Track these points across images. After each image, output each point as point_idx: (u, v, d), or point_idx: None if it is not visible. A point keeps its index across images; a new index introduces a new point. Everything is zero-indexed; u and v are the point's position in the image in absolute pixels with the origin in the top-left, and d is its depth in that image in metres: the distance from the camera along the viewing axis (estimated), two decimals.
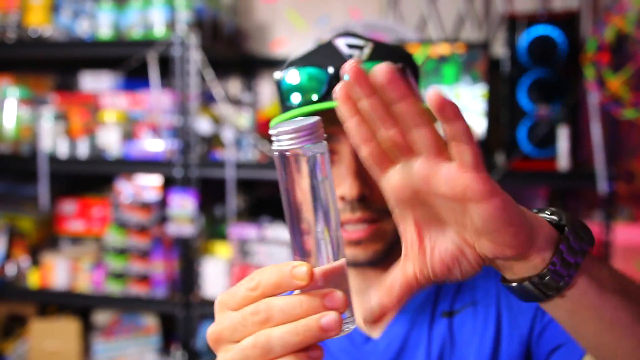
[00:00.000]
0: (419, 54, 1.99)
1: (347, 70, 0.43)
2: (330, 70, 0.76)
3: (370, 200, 0.77)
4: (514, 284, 0.48)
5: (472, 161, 0.43)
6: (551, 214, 0.50)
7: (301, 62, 0.79)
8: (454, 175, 0.43)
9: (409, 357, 0.81)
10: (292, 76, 0.78)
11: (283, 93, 0.79)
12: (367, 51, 0.77)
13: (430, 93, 0.41)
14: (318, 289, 0.44)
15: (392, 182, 0.47)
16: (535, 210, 0.50)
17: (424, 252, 0.49)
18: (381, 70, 0.42)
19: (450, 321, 0.82)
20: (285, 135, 0.42)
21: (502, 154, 1.94)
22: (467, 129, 0.43)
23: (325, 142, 0.44)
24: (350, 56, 0.76)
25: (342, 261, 0.46)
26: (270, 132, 0.44)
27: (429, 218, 0.48)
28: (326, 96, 0.76)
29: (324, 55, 0.78)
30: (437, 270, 0.48)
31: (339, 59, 0.76)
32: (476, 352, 0.80)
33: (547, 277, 0.46)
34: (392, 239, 0.80)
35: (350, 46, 0.78)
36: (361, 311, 0.85)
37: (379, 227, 0.78)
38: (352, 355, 0.84)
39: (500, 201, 0.44)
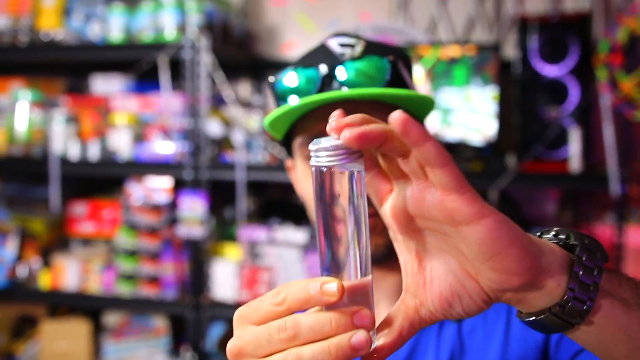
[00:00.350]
0: (429, 56, 1.98)
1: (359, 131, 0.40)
2: (323, 68, 0.76)
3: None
4: (533, 318, 0.44)
5: (451, 183, 0.40)
6: (556, 235, 0.47)
7: (295, 65, 0.79)
8: (440, 199, 0.41)
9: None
10: (288, 79, 0.78)
11: (279, 96, 0.79)
12: (358, 49, 0.77)
13: (393, 116, 0.39)
14: (345, 306, 0.43)
15: (389, 206, 0.45)
16: (537, 232, 0.47)
17: (425, 285, 0.46)
18: (397, 119, 0.39)
19: (459, 326, 0.81)
20: (324, 152, 0.42)
21: (513, 156, 1.93)
22: (438, 151, 0.39)
23: (362, 160, 0.43)
24: (342, 54, 0.76)
25: (368, 278, 0.44)
26: (310, 147, 0.43)
27: (430, 247, 0.45)
28: (321, 93, 0.75)
29: (317, 56, 0.78)
30: (437, 305, 0.45)
31: (332, 58, 0.76)
32: (486, 357, 0.79)
33: (569, 305, 0.43)
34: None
35: (342, 45, 0.78)
36: None
37: (379, 220, 0.77)
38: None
39: (492, 221, 0.40)
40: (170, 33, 2.02)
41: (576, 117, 1.83)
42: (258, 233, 2.00)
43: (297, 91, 0.76)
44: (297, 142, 0.79)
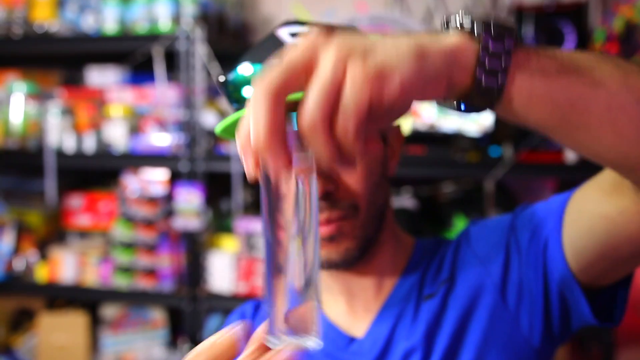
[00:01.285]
0: None
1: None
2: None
3: (336, 198, 0.75)
4: (457, 106, 0.48)
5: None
6: (458, 24, 0.47)
7: (245, 58, 0.76)
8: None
9: (396, 351, 0.80)
10: (242, 70, 0.74)
11: (231, 91, 0.75)
12: None
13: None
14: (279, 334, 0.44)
15: None
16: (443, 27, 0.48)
17: None
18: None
19: (433, 302, 0.81)
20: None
21: (509, 147, 1.93)
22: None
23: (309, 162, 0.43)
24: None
25: (309, 303, 0.45)
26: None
27: None
28: None
29: (267, 48, 0.75)
30: None
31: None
32: (453, 326, 0.79)
33: (478, 94, 0.45)
34: (364, 237, 0.78)
35: (293, 34, 0.75)
36: (340, 314, 0.85)
37: (347, 224, 0.76)
38: (335, 355, 0.83)
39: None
40: (165, 24, 2.01)
41: None
42: (254, 225, 2.00)
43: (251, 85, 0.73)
44: None
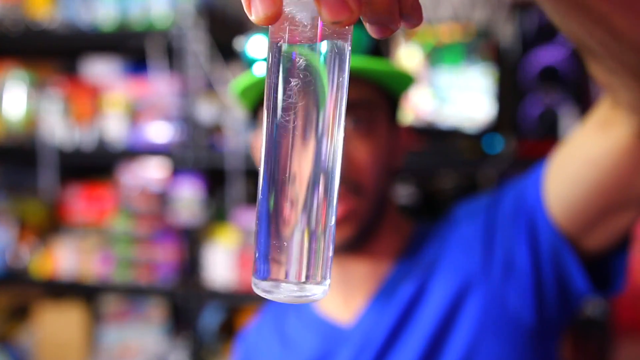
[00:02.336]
0: (424, 37, 1.96)
1: None
2: None
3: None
4: None
5: None
6: None
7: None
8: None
9: (387, 337, 0.80)
10: (254, 44, 0.75)
11: (250, 59, 0.76)
12: None
13: None
14: None
15: None
16: None
17: None
18: None
19: (422, 287, 0.81)
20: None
21: (509, 141, 1.92)
22: None
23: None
24: None
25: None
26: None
27: None
28: None
29: None
30: None
31: None
32: (442, 312, 0.78)
33: None
34: (364, 221, 0.78)
35: None
36: (332, 299, 0.85)
37: (347, 208, 0.76)
38: (325, 348, 0.82)
39: None
40: (164, 16, 2.00)
41: (573, 100, 1.82)
42: (254, 218, 1.99)
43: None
44: None
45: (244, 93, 0.76)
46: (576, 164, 0.69)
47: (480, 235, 0.79)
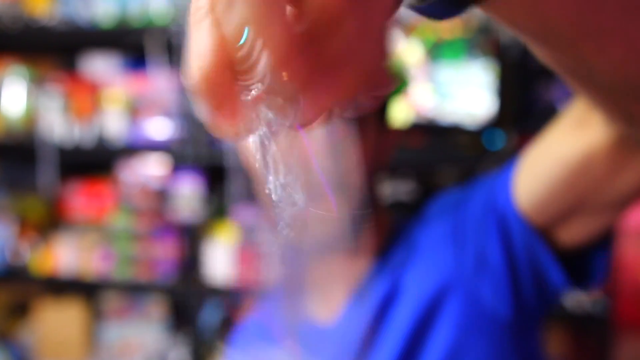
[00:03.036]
0: (424, 33, 1.96)
1: None
2: None
3: None
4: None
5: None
6: None
7: None
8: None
9: (356, 337, 0.79)
10: None
11: None
12: None
13: None
14: None
15: None
16: None
17: None
18: None
19: (399, 284, 0.80)
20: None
21: (510, 136, 1.92)
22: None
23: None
24: None
25: None
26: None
27: None
28: None
29: None
30: None
31: None
32: (420, 310, 0.78)
33: None
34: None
35: None
36: (324, 304, 0.84)
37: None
38: (304, 348, 0.82)
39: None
40: (164, 12, 1.99)
41: (573, 95, 1.81)
42: (254, 215, 1.99)
43: None
44: None
45: None
46: (548, 161, 0.68)
47: (451, 233, 0.79)
